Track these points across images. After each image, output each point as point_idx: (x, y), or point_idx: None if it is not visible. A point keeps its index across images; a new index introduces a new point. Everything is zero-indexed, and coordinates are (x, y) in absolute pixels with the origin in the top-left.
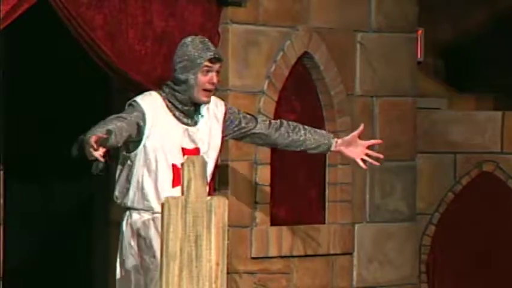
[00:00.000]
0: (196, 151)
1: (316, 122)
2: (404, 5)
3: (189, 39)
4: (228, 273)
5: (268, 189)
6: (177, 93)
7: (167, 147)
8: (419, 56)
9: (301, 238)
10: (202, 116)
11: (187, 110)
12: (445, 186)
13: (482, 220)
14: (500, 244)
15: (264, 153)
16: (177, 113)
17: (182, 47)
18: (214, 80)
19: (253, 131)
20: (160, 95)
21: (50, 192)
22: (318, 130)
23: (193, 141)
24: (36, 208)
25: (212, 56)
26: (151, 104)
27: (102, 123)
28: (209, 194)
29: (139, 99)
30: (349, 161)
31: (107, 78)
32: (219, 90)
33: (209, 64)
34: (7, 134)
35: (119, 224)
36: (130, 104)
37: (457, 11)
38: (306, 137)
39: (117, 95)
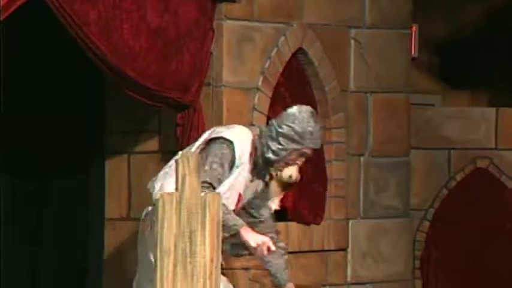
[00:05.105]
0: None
1: None
2: (399, 1)
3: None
4: (222, 269)
5: None
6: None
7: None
8: (413, 52)
9: (296, 234)
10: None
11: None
12: (439, 182)
13: (476, 216)
14: (494, 240)
15: None
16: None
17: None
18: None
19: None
20: (254, 136)
21: (45, 188)
22: (284, 271)
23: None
24: (31, 204)
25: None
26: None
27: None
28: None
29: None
30: (344, 157)
31: (101, 74)
32: (213, 86)
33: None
34: (1, 130)
35: (115, 221)
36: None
37: (451, 7)
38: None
39: (111, 92)
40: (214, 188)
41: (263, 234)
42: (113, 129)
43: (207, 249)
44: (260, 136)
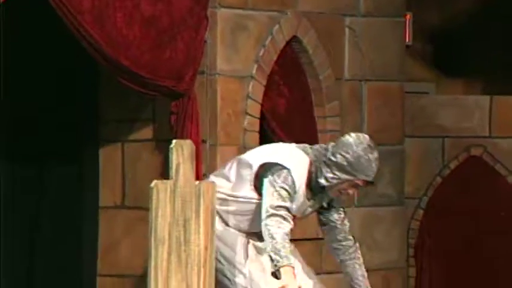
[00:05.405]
0: (294, 218)
1: (305, 106)
2: None
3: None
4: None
5: None
6: (319, 173)
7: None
8: (407, 40)
9: None
10: (323, 200)
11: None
12: (433, 170)
13: (470, 204)
14: (488, 228)
15: (252, 137)
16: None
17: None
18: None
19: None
20: (310, 164)
21: (41, 176)
22: (362, 270)
23: (302, 213)
24: (29, 192)
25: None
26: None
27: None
28: (197, 178)
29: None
30: None
31: (95, 63)
32: (207, 74)
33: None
34: None
35: (108, 209)
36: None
37: None
38: (351, 262)
39: (106, 80)
40: (289, 210)
41: (333, 241)
42: (107, 117)
43: (201, 238)
44: (316, 156)
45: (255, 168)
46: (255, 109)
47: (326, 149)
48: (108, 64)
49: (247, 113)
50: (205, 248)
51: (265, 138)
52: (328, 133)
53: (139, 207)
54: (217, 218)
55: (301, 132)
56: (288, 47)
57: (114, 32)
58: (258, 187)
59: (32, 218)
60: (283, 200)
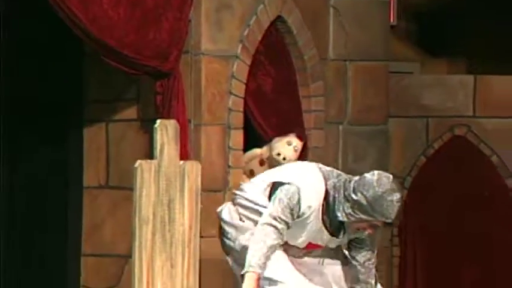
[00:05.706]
0: (317, 247)
1: (289, 86)
2: None
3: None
4: (201, 237)
5: (241, 153)
6: (336, 207)
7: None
8: (392, 20)
9: None
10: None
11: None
12: (417, 150)
13: (454, 183)
14: (472, 207)
15: (237, 117)
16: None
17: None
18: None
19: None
20: (327, 193)
21: (24, 156)
22: None
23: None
24: (10, 173)
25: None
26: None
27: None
28: (182, 158)
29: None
30: (323, 125)
31: (79, 43)
32: (191, 54)
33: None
34: None
35: (92, 189)
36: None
37: None
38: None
39: (90, 60)
40: (287, 224)
41: (352, 278)
42: (91, 97)
43: (185, 217)
44: (335, 187)
45: (268, 182)
46: (239, 89)
47: (349, 182)
48: (94, 44)
49: (231, 93)
50: (190, 228)
51: (250, 119)
52: (312, 113)
53: (124, 187)
54: (237, 216)
55: (287, 112)
56: (272, 27)
57: (99, 13)
58: (269, 199)
59: (16, 197)
60: (284, 214)
